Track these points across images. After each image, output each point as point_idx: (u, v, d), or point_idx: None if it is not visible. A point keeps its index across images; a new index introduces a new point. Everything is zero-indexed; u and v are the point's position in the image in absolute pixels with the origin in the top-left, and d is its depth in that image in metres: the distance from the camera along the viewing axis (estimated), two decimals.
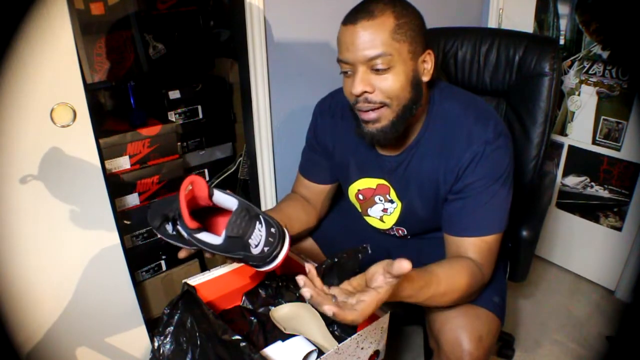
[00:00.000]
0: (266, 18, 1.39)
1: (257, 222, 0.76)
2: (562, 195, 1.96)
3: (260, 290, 1.06)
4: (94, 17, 1.62)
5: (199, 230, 0.78)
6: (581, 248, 1.96)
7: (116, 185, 1.58)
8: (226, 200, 0.78)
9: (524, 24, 1.89)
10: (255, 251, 0.76)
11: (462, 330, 0.91)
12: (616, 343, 1.59)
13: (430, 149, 0.98)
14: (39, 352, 1.16)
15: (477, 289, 0.92)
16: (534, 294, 1.90)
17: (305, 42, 1.50)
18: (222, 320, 0.83)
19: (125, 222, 1.63)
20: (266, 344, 0.93)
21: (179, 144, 1.79)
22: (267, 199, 1.60)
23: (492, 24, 1.96)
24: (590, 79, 1.74)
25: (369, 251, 0.86)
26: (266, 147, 1.53)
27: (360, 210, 1.15)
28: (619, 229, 1.81)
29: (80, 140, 1.11)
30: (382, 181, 1.07)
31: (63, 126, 1.07)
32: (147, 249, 1.71)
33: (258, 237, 0.76)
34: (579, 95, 1.79)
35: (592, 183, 1.85)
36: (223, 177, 2.04)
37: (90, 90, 1.66)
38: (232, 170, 2.05)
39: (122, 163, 1.62)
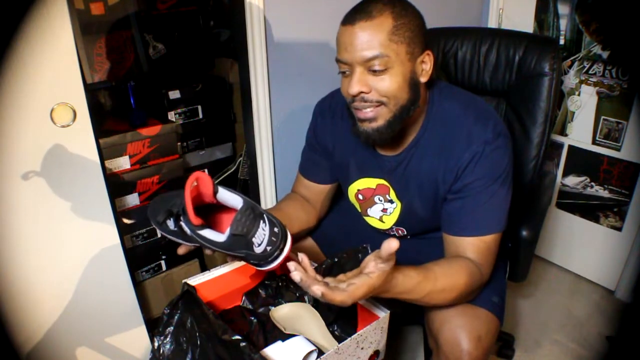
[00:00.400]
0: (266, 18, 1.39)
1: (261, 221, 0.76)
2: (562, 195, 1.96)
3: (260, 290, 1.06)
4: (94, 17, 1.62)
5: (203, 227, 0.78)
6: (581, 248, 1.96)
7: (116, 185, 1.58)
8: (231, 198, 0.78)
9: (524, 24, 1.89)
10: (258, 250, 0.76)
11: (461, 330, 0.91)
12: (616, 343, 1.59)
13: (430, 149, 0.98)
14: (39, 352, 1.16)
15: (476, 289, 0.92)
16: (534, 294, 1.90)
17: (305, 42, 1.50)
18: (222, 320, 0.82)
19: (126, 221, 1.63)
20: (266, 344, 0.93)
21: (179, 144, 1.80)
22: (267, 199, 1.60)
23: (492, 24, 1.95)
24: (590, 79, 1.74)
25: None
26: (266, 147, 1.53)
27: (360, 211, 1.15)
28: (619, 229, 1.81)
29: (80, 140, 1.11)
30: (382, 181, 1.07)
31: (63, 126, 1.07)
32: (147, 249, 1.71)
33: (261, 236, 0.76)
34: (579, 95, 1.79)
35: (592, 183, 1.85)
36: (223, 177, 2.04)
37: (90, 90, 1.66)
38: (232, 170, 2.05)
39: (122, 163, 1.62)
